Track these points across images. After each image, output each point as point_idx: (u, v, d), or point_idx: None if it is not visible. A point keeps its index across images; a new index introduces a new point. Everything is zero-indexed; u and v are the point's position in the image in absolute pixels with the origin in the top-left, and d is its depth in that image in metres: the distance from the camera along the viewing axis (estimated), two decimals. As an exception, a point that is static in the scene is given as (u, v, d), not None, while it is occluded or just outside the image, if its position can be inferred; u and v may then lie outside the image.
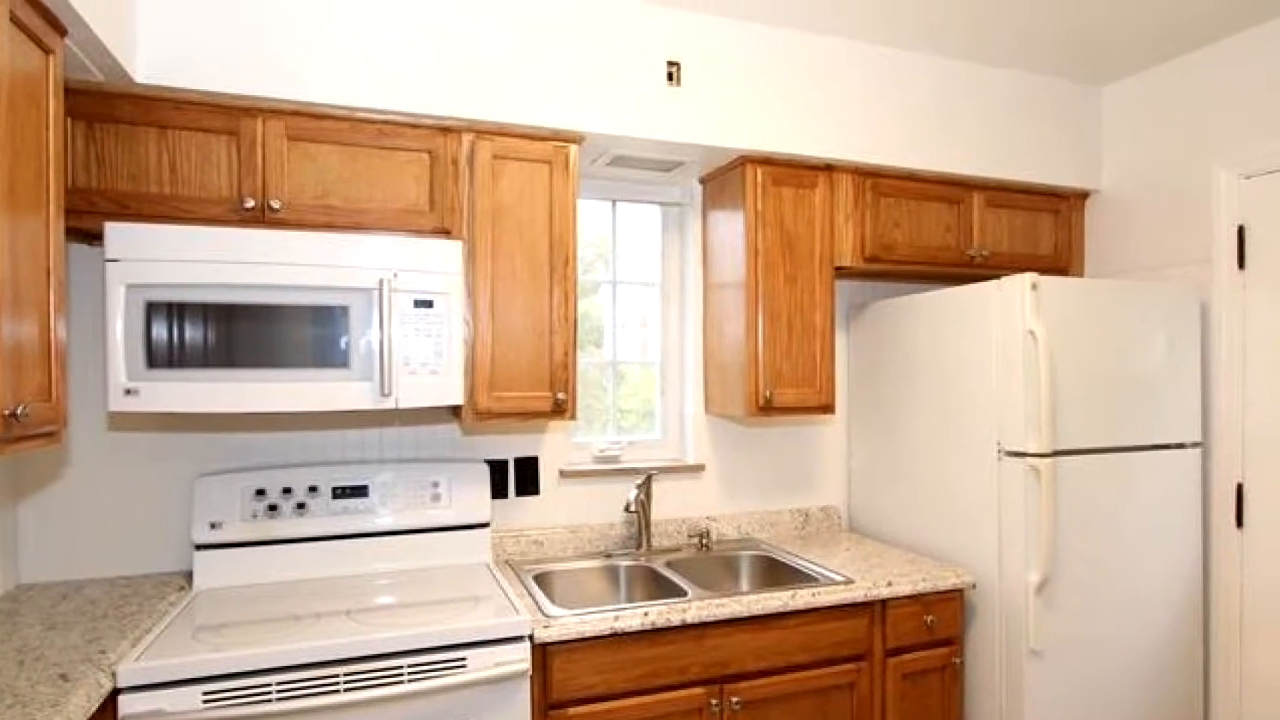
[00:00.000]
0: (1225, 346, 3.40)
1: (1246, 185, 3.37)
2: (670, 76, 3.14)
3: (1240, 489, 3.35)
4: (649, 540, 3.44)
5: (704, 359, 3.69)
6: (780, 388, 3.30)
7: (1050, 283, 3.07)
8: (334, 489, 2.97)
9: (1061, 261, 3.92)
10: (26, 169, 1.90)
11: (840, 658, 2.91)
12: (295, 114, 2.68)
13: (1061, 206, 3.92)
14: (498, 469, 3.35)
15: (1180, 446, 3.35)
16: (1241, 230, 3.37)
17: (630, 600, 3.20)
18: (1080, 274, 4.00)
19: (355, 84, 2.72)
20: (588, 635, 2.54)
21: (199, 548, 2.81)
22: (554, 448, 3.47)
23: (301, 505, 2.92)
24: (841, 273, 3.55)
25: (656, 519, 3.60)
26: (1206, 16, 3.28)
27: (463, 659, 2.37)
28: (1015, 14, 3.27)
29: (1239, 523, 3.35)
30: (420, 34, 2.80)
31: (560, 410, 2.98)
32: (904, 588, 2.97)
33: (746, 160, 3.28)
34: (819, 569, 3.13)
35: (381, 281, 2.61)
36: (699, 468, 3.69)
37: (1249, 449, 3.34)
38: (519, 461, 3.40)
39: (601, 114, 3.04)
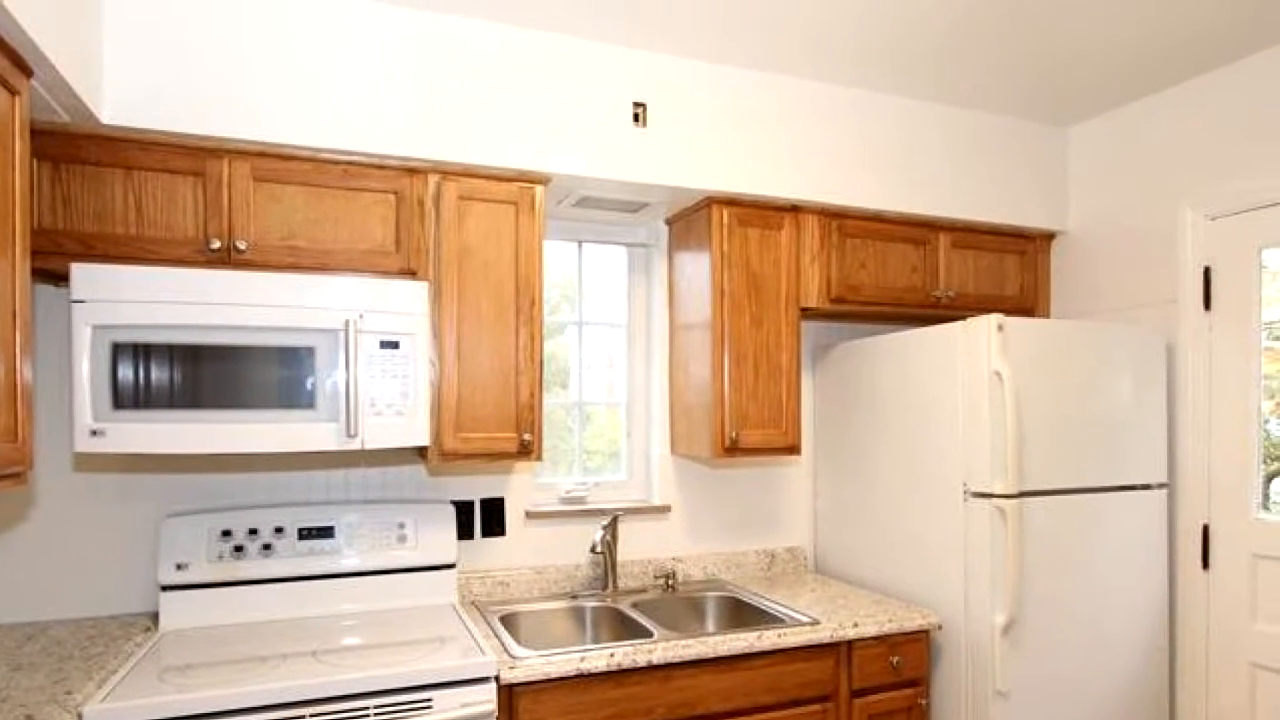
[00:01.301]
0: (1191, 387, 3.54)
1: (1212, 226, 3.50)
2: (636, 118, 3.28)
3: (1206, 530, 3.48)
4: (615, 581, 3.55)
5: (670, 400, 3.81)
6: (746, 429, 3.43)
7: (1016, 324, 3.19)
8: (300, 530, 3.07)
9: (1027, 302, 4.08)
10: (-8, 211, 1.98)
11: (806, 699, 3.01)
12: (261, 155, 2.79)
13: (1028, 247, 4.09)
14: (464, 510, 3.45)
15: (1146, 487, 3.48)
16: (1208, 271, 3.51)
17: (596, 641, 3.33)
18: (1046, 315, 4.16)
19: (321, 125, 2.84)
20: (554, 676, 2.63)
21: (165, 589, 2.90)
22: (520, 489, 3.57)
23: (268, 546, 3.02)
24: (807, 314, 3.70)
25: (622, 560, 3.70)
26: (1172, 58, 3.42)
27: (429, 700, 2.47)
28: (981, 56, 3.40)
29: (1205, 564, 3.49)
30: (386, 75, 2.93)
31: (526, 451, 3.10)
32: (870, 629, 3.09)
33: (712, 201, 3.42)
34: (785, 610, 3.25)
35: (347, 322, 2.72)
36: (665, 509, 3.80)
37: (1215, 490, 3.47)
38: (485, 502, 3.50)
39: (567, 155, 3.17)
